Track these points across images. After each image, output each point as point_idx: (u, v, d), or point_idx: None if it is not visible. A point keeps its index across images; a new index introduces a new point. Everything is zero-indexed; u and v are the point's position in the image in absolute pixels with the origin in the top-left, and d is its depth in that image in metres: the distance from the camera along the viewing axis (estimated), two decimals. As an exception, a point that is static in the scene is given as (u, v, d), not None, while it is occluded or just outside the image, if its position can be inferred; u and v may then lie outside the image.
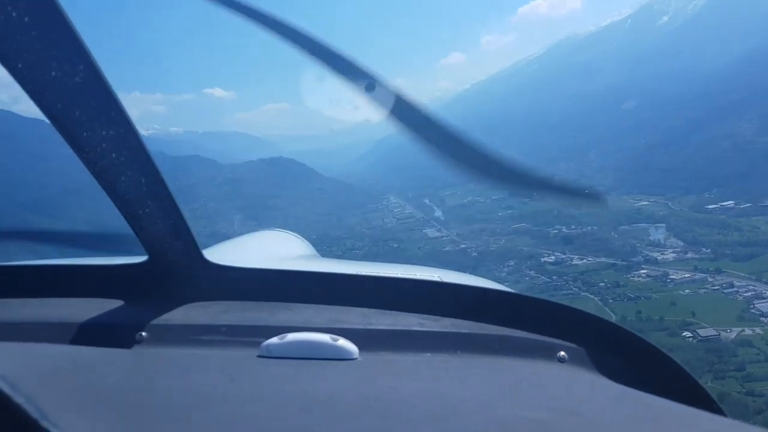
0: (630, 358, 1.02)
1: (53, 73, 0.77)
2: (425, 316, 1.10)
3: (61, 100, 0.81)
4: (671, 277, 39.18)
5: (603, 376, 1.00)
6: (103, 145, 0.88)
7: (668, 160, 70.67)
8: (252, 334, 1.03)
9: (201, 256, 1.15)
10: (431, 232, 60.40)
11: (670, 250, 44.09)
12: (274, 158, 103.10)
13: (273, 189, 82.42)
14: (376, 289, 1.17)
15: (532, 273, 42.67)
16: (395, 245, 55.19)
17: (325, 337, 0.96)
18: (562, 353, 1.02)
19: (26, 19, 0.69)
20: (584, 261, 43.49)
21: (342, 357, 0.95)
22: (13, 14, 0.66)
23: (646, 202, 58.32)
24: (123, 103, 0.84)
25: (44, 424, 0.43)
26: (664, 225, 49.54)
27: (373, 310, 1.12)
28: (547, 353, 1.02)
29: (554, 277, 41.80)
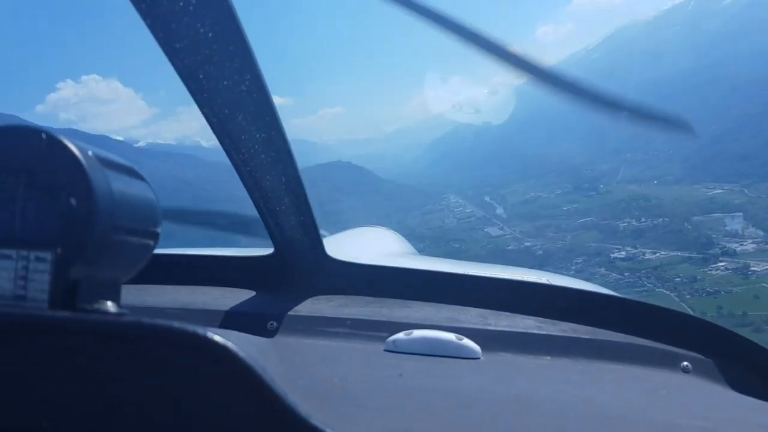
0: (757, 369, 1.01)
1: (225, 83, 0.84)
2: (542, 319, 1.11)
3: (228, 105, 0.88)
4: (752, 269, 37.19)
5: (730, 388, 0.98)
6: (256, 146, 0.95)
7: (741, 147, 66.53)
8: (375, 329, 1.06)
9: (324, 251, 1.21)
10: (493, 231, 59.51)
11: (750, 241, 41.89)
12: (331, 163, 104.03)
13: (332, 194, 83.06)
14: (493, 290, 1.19)
15: (602, 270, 41.41)
16: (456, 245, 54.56)
17: (450, 336, 0.98)
18: (686, 363, 1.00)
19: (210, 35, 0.77)
20: (657, 255, 41.87)
21: (466, 356, 0.96)
22: (201, 30, 0.74)
23: (719, 191, 55.03)
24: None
25: (315, 423, 0.44)
26: (741, 214, 46.53)
27: (489, 311, 1.14)
28: (671, 363, 1.01)
29: (626, 274, 40.47)
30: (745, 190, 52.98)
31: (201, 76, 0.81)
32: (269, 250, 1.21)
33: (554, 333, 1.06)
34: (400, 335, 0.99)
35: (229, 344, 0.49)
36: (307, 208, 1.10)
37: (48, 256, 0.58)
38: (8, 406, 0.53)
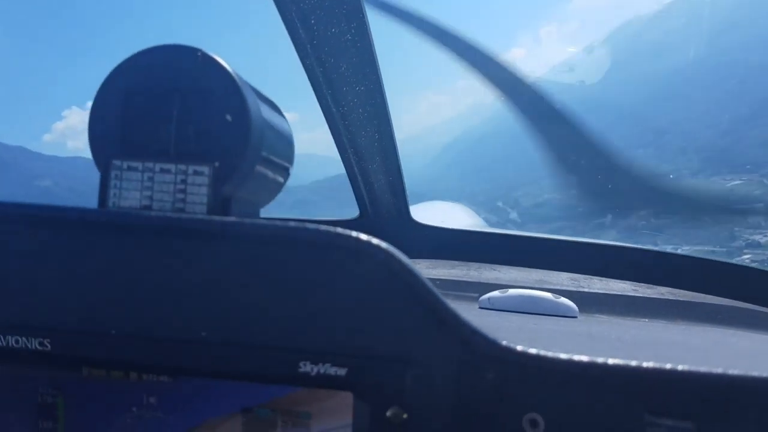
0: None
1: (333, 30, 0.85)
2: (636, 283, 1.08)
3: (334, 55, 0.89)
4: (777, 259, 36.48)
5: None
6: (355, 99, 0.95)
7: (759, 134, 65.82)
8: (467, 289, 1.03)
9: (409, 214, 1.21)
10: (508, 235, 59.25)
11: (772, 231, 41.06)
12: (341, 174, 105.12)
13: (343, 209, 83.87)
14: (583, 254, 1.18)
15: (622, 268, 40.65)
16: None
17: (547, 294, 0.96)
18: None
19: (348, 37, 0.80)
20: (679, 251, 40.95)
21: (563, 314, 0.94)
22: (333, 30, 0.79)
23: (738, 182, 54.59)
24: None
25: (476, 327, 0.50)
26: (762, 204, 46.21)
27: (581, 275, 1.12)
28: None
29: (646, 270, 39.51)
30: (765, 180, 52.46)
31: (312, 21, 0.80)
32: (354, 214, 1.21)
33: (652, 296, 1.03)
34: (496, 293, 0.96)
35: (393, 250, 0.55)
36: (397, 169, 1.08)
37: (206, 170, 0.66)
38: (170, 315, 0.71)
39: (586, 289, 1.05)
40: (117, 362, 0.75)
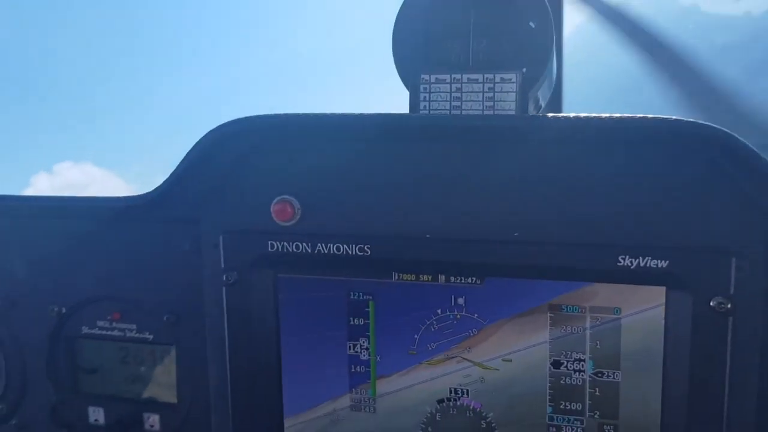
0: None
1: None
2: None
3: None
4: None
5: None
6: None
7: None
8: None
9: None
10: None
11: None
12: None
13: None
14: None
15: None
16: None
17: None
18: None
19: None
20: None
21: None
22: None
23: None
24: None
25: None
26: None
27: None
28: None
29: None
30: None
31: None
32: None
33: None
34: None
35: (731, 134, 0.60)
36: None
37: (514, 76, 0.68)
38: (484, 216, 0.77)
39: None
40: (429, 264, 0.80)
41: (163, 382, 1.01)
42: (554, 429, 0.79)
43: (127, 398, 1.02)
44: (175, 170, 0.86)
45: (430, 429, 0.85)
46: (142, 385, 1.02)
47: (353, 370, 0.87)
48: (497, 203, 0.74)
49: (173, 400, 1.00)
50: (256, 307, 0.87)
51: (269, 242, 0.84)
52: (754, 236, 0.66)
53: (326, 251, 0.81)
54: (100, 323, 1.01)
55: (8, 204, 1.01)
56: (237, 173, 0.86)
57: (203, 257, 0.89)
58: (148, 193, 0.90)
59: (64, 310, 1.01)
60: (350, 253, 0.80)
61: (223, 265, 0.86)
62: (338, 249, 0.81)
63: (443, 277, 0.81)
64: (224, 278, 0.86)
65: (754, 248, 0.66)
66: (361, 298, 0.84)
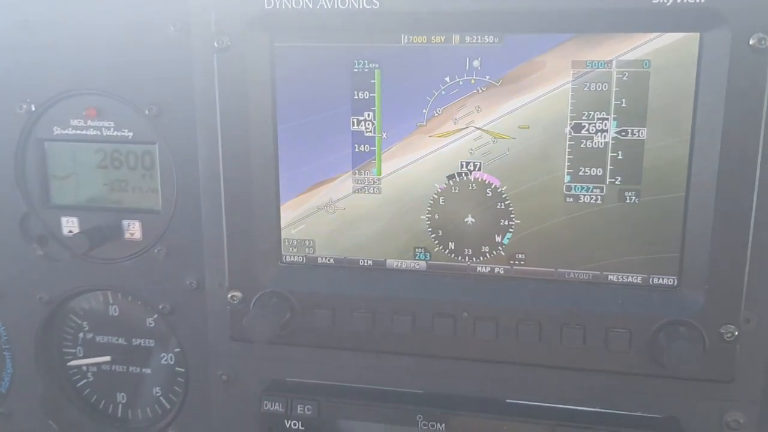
0: None
1: None
2: None
3: None
4: None
5: None
6: None
7: None
8: None
9: None
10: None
11: None
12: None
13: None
14: None
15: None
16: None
17: None
18: None
19: None
20: None
21: None
22: None
23: None
24: None
25: None
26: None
27: None
28: None
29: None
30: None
31: None
32: None
33: None
34: None
35: None
36: None
37: None
38: None
39: None
40: (443, 20, 0.72)
41: (144, 187, 0.94)
42: (571, 199, 0.75)
43: (105, 207, 0.95)
44: None
45: (439, 204, 0.80)
46: (121, 191, 0.95)
47: (357, 149, 0.80)
48: None
49: (156, 207, 0.93)
50: (251, 80, 0.79)
51: None
52: None
53: (330, 5, 0.73)
54: (74, 122, 0.93)
55: None
56: None
57: (191, 22, 0.80)
58: None
59: (33, 108, 0.91)
60: (356, 6, 0.73)
61: (213, 28, 0.77)
62: (343, 2, 0.73)
63: (457, 37, 0.74)
64: (215, 44, 0.78)
65: None
66: (366, 67, 0.77)
